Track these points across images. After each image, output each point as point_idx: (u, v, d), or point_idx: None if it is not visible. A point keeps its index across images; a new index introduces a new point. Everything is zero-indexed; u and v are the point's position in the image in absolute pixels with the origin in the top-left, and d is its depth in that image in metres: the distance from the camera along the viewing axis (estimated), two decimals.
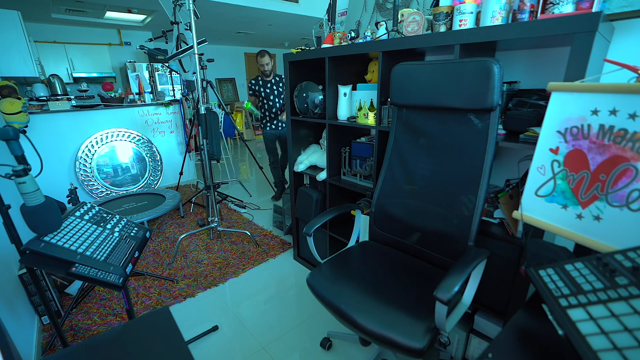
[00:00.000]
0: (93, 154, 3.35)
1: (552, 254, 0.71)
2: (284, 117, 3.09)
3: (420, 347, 0.87)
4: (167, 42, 2.87)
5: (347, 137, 1.80)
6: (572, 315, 0.51)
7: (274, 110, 3.16)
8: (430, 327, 0.91)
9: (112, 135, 3.47)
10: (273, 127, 3.22)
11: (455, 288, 0.81)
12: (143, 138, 3.68)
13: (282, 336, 1.59)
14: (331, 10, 1.77)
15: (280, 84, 3.11)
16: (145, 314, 0.76)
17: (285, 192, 2.56)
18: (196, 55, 2.17)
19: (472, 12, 1.10)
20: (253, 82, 3.10)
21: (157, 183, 3.78)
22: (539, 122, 0.95)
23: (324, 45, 1.64)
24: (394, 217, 1.32)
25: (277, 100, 3.13)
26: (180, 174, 3.79)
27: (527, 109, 1.10)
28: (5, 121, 2.54)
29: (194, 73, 2.22)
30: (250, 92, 3.18)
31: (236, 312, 1.76)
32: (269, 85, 3.08)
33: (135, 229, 1.26)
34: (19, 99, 2.67)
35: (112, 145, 3.47)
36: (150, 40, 3.53)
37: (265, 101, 3.14)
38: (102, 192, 3.39)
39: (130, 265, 1.09)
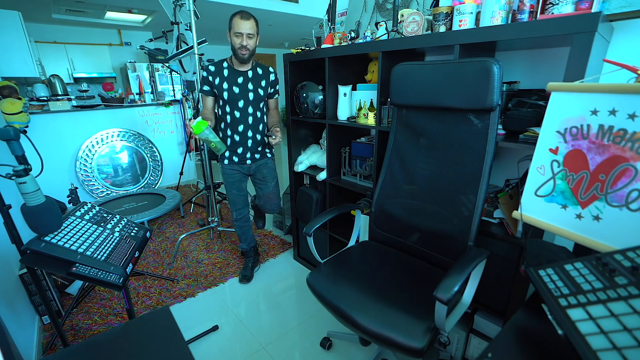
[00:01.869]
0: (93, 154, 3.36)
1: (551, 253, 0.71)
2: (274, 139, 1.68)
3: (420, 347, 0.87)
4: (167, 43, 2.87)
5: (347, 137, 1.81)
6: (572, 315, 0.51)
7: (240, 128, 1.71)
8: (430, 326, 0.91)
9: (113, 135, 3.48)
10: (237, 159, 1.77)
11: (455, 288, 0.81)
12: (143, 138, 3.69)
13: (282, 336, 1.59)
14: (331, 10, 1.77)
15: (262, 82, 1.71)
16: (145, 314, 0.76)
17: (286, 192, 2.55)
18: (196, 55, 2.17)
19: (471, 13, 1.10)
20: (212, 69, 1.65)
21: (157, 183, 3.78)
22: (538, 122, 0.95)
23: (324, 46, 1.64)
24: (393, 217, 1.32)
25: (250, 110, 1.69)
26: (181, 174, 3.79)
27: (526, 109, 1.10)
28: (6, 121, 2.54)
29: (194, 73, 2.22)
30: (206, 87, 1.68)
31: (236, 311, 1.76)
32: (240, 79, 1.66)
33: (136, 229, 1.27)
34: (20, 99, 2.68)
35: (112, 145, 3.48)
36: (151, 40, 3.54)
37: (227, 109, 1.68)
38: (102, 192, 3.39)
39: (130, 265, 1.09)
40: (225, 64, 1.67)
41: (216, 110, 1.79)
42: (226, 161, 1.78)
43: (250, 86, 1.68)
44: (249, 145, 1.76)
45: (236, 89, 1.66)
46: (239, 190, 1.89)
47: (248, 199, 1.99)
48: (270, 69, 1.77)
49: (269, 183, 1.90)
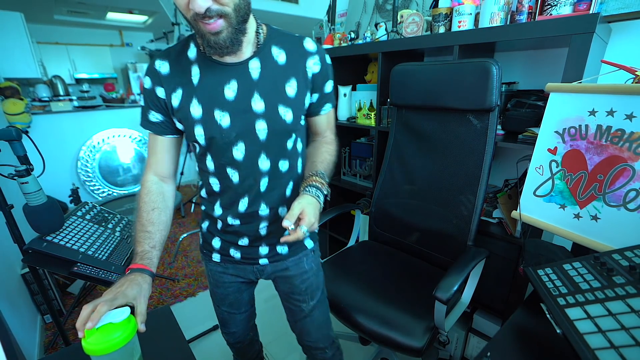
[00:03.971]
0: (95, 154, 3.37)
1: (550, 253, 0.72)
2: (294, 230, 0.63)
3: (420, 346, 0.88)
4: (168, 43, 2.88)
5: (347, 137, 1.81)
6: (570, 314, 0.51)
7: (243, 203, 0.74)
8: (429, 326, 0.92)
9: (114, 136, 3.49)
10: (239, 254, 0.81)
11: (454, 287, 0.82)
12: (144, 138, 3.70)
13: (282, 335, 1.59)
14: (331, 11, 1.78)
15: (290, 82, 0.68)
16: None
17: None
18: None
19: (470, 14, 1.11)
20: (164, 67, 0.66)
21: None
22: (537, 123, 0.95)
23: (324, 46, 1.65)
24: (393, 216, 1.32)
25: (262, 160, 0.70)
26: (181, 174, 3.79)
27: (525, 109, 1.10)
28: (8, 122, 2.55)
29: None
30: (154, 116, 0.70)
31: None
32: (231, 86, 0.65)
33: None
34: (22, 99, 2.69)
35: (113, 146, 3.49)
36: (152, 41, 3.56)
37: (211, 165, 0.73)
38: (103, 192, 3.41)
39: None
40: (193, 51, 0.68)
41: (199, 161, 0.79)
42: (216, 256, 0.85)
43: (256, 104, 0.67)
44: (262, 232, 0.79)
45: (223, 117, 0.67)
46: (235, 307, 0.93)
47: (254, 318, 1.03)
48: (307, 45, 0.72)
49: (309, 301, 0.88)
